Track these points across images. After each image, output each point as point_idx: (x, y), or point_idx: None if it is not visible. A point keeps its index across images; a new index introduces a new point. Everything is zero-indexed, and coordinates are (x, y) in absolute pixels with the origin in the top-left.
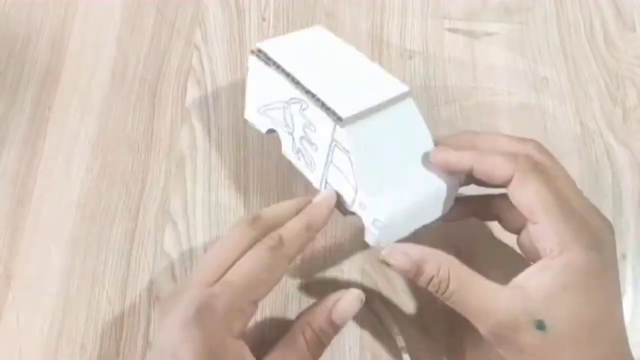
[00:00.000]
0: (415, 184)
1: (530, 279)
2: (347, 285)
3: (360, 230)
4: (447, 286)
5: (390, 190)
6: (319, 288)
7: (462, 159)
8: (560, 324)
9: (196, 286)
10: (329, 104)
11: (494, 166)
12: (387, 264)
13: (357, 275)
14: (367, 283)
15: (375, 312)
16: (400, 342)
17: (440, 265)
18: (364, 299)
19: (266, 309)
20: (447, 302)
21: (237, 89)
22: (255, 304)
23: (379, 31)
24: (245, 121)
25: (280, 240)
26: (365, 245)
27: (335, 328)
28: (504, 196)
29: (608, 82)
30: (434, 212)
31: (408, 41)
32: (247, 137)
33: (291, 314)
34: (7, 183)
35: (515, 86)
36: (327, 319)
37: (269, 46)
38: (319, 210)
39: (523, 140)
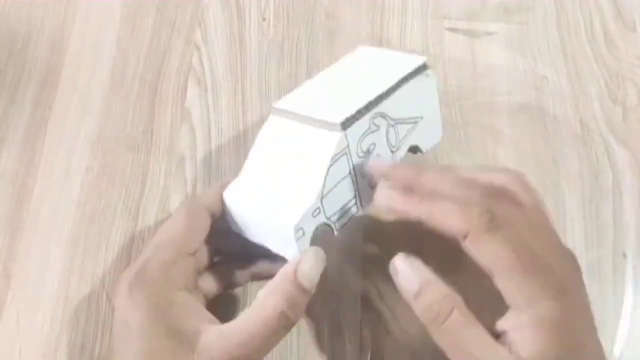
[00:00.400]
0: (274, 204)
1: (514, 334)
2: (346, 284)
3: (359, 229)
4: (445, 319)
5: (251, 187)
6: (318, 287)
7: (410, 210)
8: None
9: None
10: (291, 93)
11: (446, 223)
12: (395, 275)
13: (357, 274)
14: (369, 283)
15: (377, 313)
16: (401, 342)
17: (445, 297)
18: (325, 257)
19: None
20: (436, 336)
21: (237, 88)
22: (192, 256)
23: (379, 31)
24: (245, 120)
25: (196, 197)
26: (365, 244)
27: (304, 293)
28: None
29: (608, 81)
30: (282, 246)
31: (408, 41)
32: (247, 137)
33: None
34: (7, 183)
35: (515, 86)
36: (293, 283)
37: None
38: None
39: (505, 171)
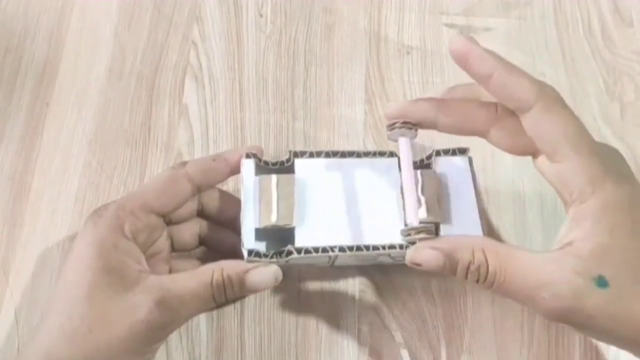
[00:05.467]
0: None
1: (571, 233)
2: (346, 284)
3: None
4: (487, 270)
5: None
6: (318, 288)
7: (485, 62)
8: (620, 273)
9: None
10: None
11: (519, 84)
12: (417, 266)
13: (356, 273)
14: (366, 280)
15: (374, 309)
16: (399, 338)
17: (474, 249)
18: (280, 279)
19: (265, 309)
20: (494, 291)
21: (235, 85)
22: (156, 216)
23: (377, 27)
24: (243, 116)
25: (183, 163)
26: None
27: (242, 287)
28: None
29: (606, 77)
30: None
31: (406, 37)
32: (245, 134)
33: (291, 314)
34: (5, 179)
35: None
36: (239, 275)
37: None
38: (231, 150)
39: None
